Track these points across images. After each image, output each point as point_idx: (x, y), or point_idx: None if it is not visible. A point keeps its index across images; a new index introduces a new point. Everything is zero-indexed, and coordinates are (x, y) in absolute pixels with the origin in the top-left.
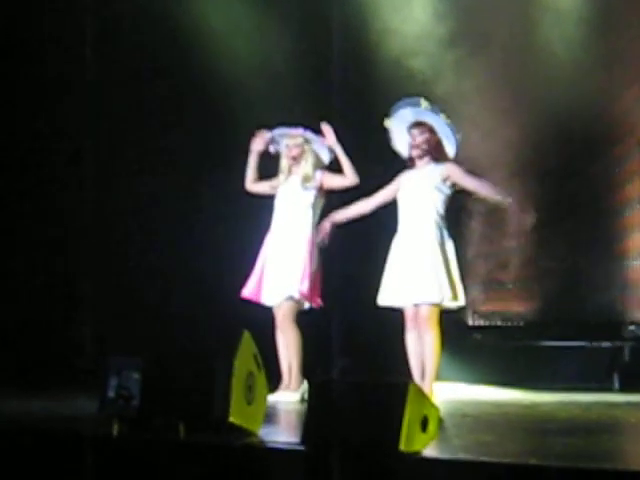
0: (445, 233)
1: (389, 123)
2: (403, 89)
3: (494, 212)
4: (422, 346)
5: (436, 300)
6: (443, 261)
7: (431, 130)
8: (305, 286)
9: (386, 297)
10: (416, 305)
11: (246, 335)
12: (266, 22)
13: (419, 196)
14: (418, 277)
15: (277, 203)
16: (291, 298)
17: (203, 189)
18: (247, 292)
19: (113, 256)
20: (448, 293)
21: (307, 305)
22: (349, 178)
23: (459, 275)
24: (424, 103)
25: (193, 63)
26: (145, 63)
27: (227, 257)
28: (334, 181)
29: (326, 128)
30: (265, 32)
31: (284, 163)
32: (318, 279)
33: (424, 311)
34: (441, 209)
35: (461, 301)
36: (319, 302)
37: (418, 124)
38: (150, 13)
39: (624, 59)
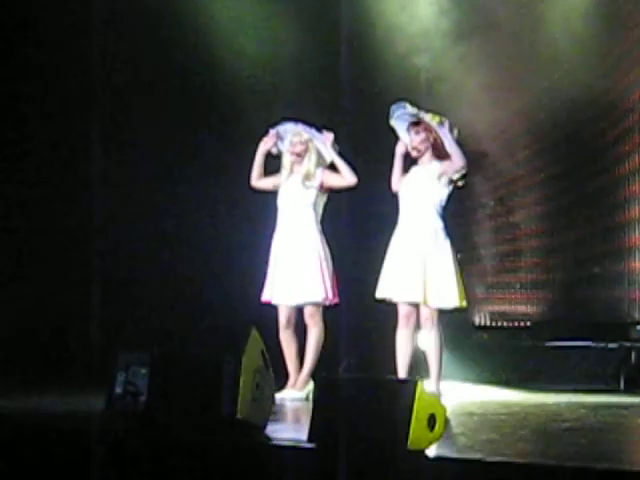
0: (440, 233)
1: (393, 123)
2: (410, 86)
3: (502, 214)
4: (426, 345)
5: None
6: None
7: (427, 129)
8: (324, 289)
9: (384, 290)
10: (417, 304)
11: (254, 332)
12: (273, 19)
13: (417, 192)
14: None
15: (280, 202)
16: (314, 303)
17: (212, 187)
18: (266, 296)
19: (123, 253)
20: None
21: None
22: (346, 179)
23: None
24: (408, 106)
25: (198, 60)
26: (150, 61)
27: (235, 255)
28: (333, 180)
29: (326, 133)
30: (272, 29)
31: (286, 160)
32: (333, 277)
33: (427, 309)
34: (437, 206)
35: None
36: (337, 301)
37: (414, 124)
38: (155, 10)
39: (632, 58)
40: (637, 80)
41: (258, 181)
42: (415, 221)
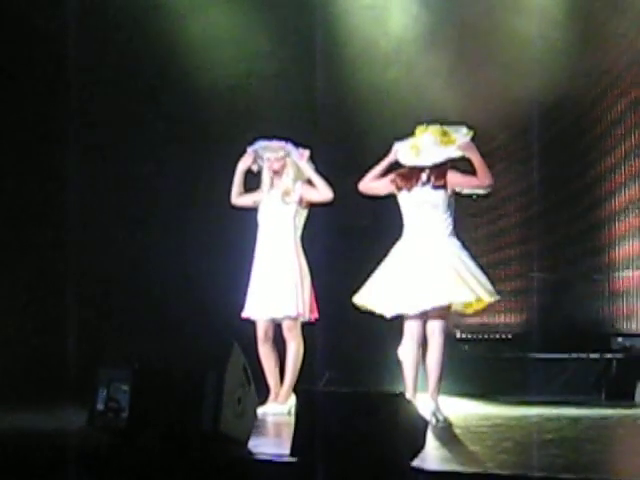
0: (444, 239)
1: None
2: (387, 98)
3: (482, 224)
4: (427, 356)
5: (469, 298)
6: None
7: None
8: (300, 304)
9: (393, 305)
10: (425, 312)
11: (235, 347)
12: (248, 35)
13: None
14: (428, 283)
15: (260, 218)
16: (290, 317)
17: (191, 203)
18: (246, 312)
19: (102, 268)
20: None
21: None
22: (322, 193)
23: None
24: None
25: (172, 76)
26: (122, 77)
27: (217, 270)
28: (310, 194)
29: (302, 149)
30: (247, 45)
31: (266, 176)
32: (312, 293)
33: (439, 318)
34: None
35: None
36: (316, 315)
37: None
38: (129, 24)
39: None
40: (619, 95)
41: (238, 199)
42: (421, 236)
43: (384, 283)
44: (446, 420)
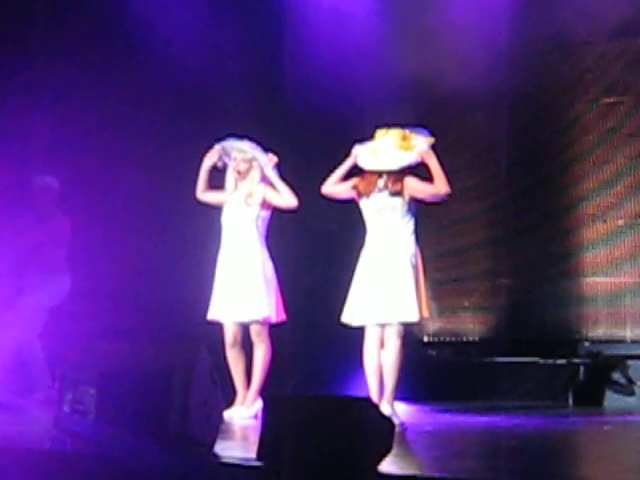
0: (402, 249)
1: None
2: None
3: (450, 227)
4: (383, 360)
5: (413, 318)
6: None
7: None
8: (265, 308)
9: (357, 316)
10: (384, 324)
11: (202, 350)
12: (217, 33)
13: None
14: (396, 296)
15: (224, 219)
16: (256, 321)
17: (156, 202)
18: (212, 314)
19: (71, 271)
20: (420, 310)
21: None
22: (286, 200)
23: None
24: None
25: (145, 70)
26: (87, 73)
27: (184, 272)
28: (274, 199)
29: (269, 155)
30: (217, 44)
31: (230, 176)
32: (278, 295)
33: (395, 328)
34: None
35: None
36: (284, 317)
37: None
38: (94, 22)
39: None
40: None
41: (203, 194)
42: (381, 243)
43: (351, 295)
44: (401, 425)
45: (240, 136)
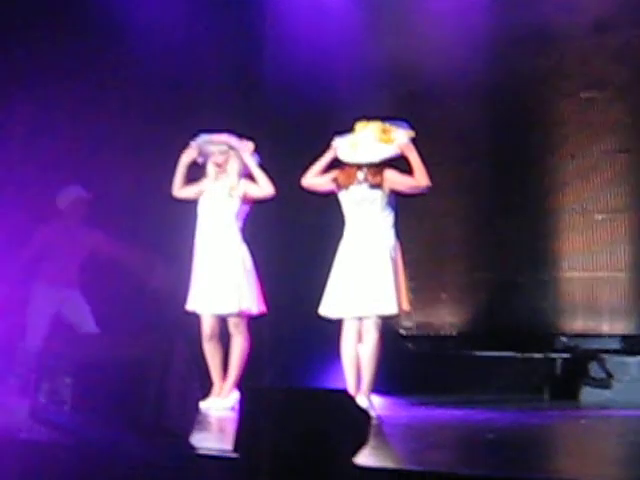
0: (381, 242)
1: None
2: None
3: (429, 221)
4: (360, 352)
5: (391, 311)
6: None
7: None
8: (242, 300)
9: (335, 309)
10: (362, 317)
11: (180, 341)
12: (195, 24)
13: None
14: (374, 288)
15: (201, 210)
16: (234, 314)
17: (133, 194)
18: (190, 305)
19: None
20: (399, 302)
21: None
22: (263, 189)
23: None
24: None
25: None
26: (62, 63)
27: (163, 262)
28: (251, 190)
29: (245, 142)
30: (194, 35)
31: (211, 169)
32: (257, 288)
33: (373, 320)
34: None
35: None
36: (264, 309)
37: None
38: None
39: (563, 69)
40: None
41: (180, 191)
42: (360, 235)
43: (329, 287)
44: (377, 418)
45: (213, 130)
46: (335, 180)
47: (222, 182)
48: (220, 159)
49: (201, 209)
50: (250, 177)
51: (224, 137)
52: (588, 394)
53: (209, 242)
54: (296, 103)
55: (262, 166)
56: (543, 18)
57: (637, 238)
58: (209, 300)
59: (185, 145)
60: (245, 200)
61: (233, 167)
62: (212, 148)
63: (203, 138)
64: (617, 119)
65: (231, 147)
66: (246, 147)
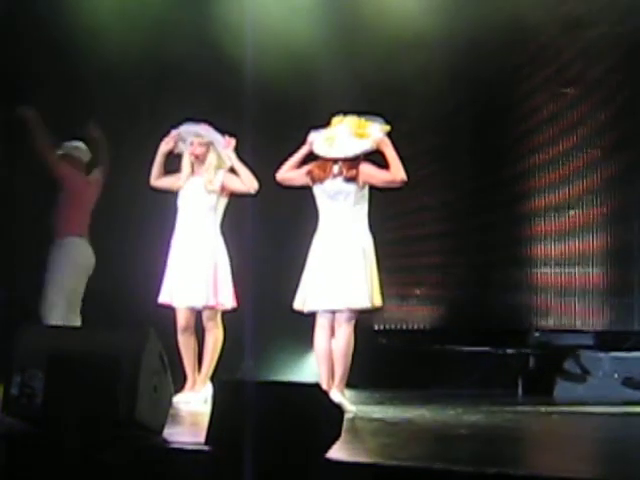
0: (358, 236)
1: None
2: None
3: (404, 216)
4: (333, 347)
5: (364, 305)
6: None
7: None
8: (221, 295)
9: (307, 302)
10: (338, 310)
11: (151, 334)
12: (179, 20)
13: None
14: (347, 281)
15: (180, 203)
16: (208, 307)
17: (112, 186)
18: (164, 298)
19: (23, 251)
20: (371, 296)
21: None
22: (246, 184)
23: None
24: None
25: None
26: (49, 57)
27: (135, 255)
28: (234, 184)
29: (228, 138)
30: (180, 30)
31: (186, 160)
32: (230, 281)
33: (346, 315)
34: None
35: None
36: (234, 304)
37: None
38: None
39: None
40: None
41: (157, 180)
42: (334, 229)
43: (303, 281)
44: (353, 412)
45: (197, 120)
46: (310, 173)
47: (199, 175)
48: (199, 150)
49: (179, 202)
50: (231, 171)
51: (207, 129)
52: (560, 390)
53: (186, 235)
54: (274, 97)
55: (244, 160)
56: (517, 14)
57: (609, 234)
58: (185, 293)
59: (165, 134)
60: (223, 193)
61: (211, 160)
62: (193, 138)
63: (186, 127)
64: (589, 115)
65: (212, 141)
66: (228, 144)
